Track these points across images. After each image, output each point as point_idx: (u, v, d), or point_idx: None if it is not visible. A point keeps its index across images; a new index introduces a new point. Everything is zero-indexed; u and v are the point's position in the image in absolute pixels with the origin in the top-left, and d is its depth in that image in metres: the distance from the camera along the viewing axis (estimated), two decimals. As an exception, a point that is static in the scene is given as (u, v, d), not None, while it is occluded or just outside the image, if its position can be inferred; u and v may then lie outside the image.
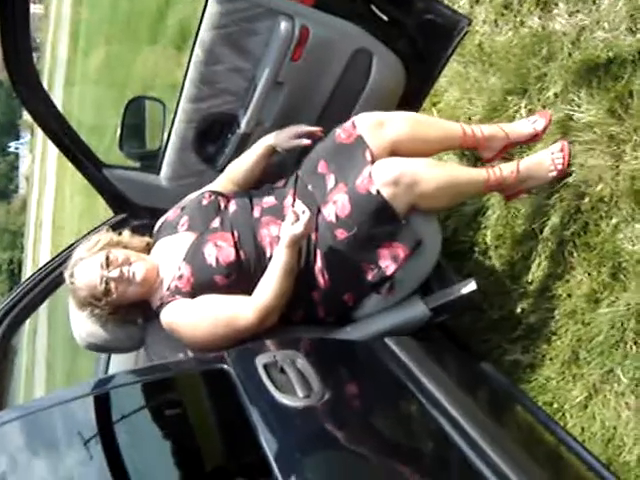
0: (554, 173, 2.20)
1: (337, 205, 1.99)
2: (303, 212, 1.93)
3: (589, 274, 2.18)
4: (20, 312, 2.28)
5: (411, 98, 2.46)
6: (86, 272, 2.07)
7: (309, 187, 2.14)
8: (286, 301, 2.00)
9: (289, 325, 2.12)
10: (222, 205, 2.25)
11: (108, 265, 2.04)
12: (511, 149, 2.34)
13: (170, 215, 2.33)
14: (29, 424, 1.62)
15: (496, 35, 2.70)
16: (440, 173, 2.03)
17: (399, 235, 1.98)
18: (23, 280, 2.40)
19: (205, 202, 2.26)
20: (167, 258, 2.14)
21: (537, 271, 2.36)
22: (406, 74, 2.38)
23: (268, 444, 1.42)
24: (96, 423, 1.63)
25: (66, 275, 2.12)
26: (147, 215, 2.72)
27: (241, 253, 2.06)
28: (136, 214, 2.72)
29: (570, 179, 2.24)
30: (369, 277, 2.02)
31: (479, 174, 2.13)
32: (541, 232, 2.36)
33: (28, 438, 1.62)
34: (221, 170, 2.51)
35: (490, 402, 2.12)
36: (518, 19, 2.60)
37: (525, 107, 2.46)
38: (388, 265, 2.00)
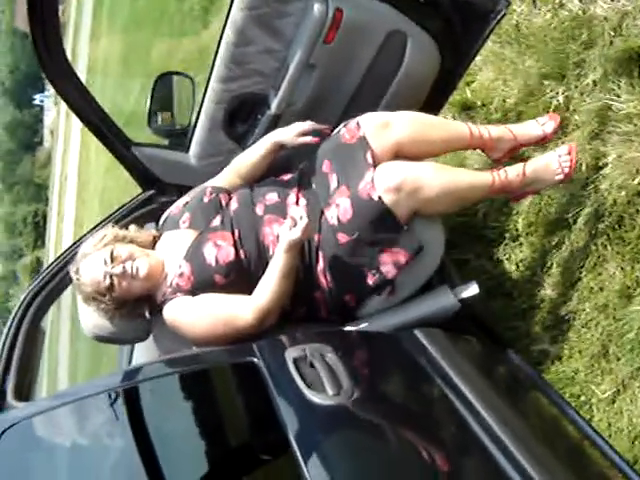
0: (561, 176, 2.11)
1: (339, 209, 1.99)
2: (301, 218, 1.92)
3: (622, 269, 2.15)
4: (47, 295, 2.29)
5: (445, 81, 2.41)
6: (90, 268, 2.07)
7: (313, 186, 2.13)
8: (285, 302, 2.00)
9: (296, 323, 2.12)
10: (223, 202, 2.23)
11: (112, 261, 2.04)
12: (519, 150, 2.29)
13: (173, 210, 2.32)
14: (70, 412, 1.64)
15: (534, 16, 2.63)
16: (443, 178, 2.00)
17: (400, 241, 1.98)
18: (48, 263, 2.40)
19: (206, 199, 2.25)
20: (170, 254, 2.14)
21: (569, 261, 2.33)
22: (441, 57, 2.33)
23: (297, 443, 1.42)
24: (126, 415, 1.64)
25: (71, 270, 2.12)
26: (175, 192, 2.72)
27: (241, 252, 2.06)
28: (164, 191, 2.72)
29: (607, 170, 2.20)
30: (370, 281, 2.03)
31: (484, 178, 2.08)
32: (574, 222, 2.32)
33: (69, 426, 1.64)
34: (251, 150, 2.49)
35: (516, 395, 2.11)
36: (557, 1, 2.53)
37: (562, 93, 2.41)
38: (389, 270, 2.01)
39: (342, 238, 2.00)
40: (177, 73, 2.88)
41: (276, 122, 2.40)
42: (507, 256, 2.56)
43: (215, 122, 2.45)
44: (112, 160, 2.65)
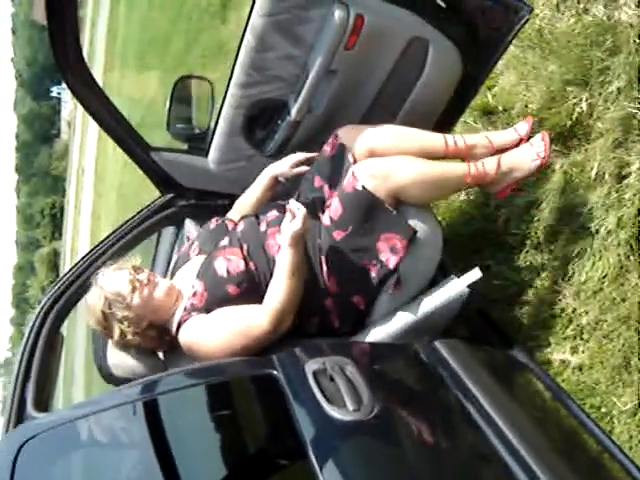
0: (537, 162, 2.15)
1: (331, 209, 2.08)
2: (298, 209, 1.96)
3: (645, 280, 2.12)
4: (67, 301, 2.29)
5: (466, 86, 2.38)
6: (115, 276, 2.12)
7: (309, 199, 2.21)
8: (297, 303, 1.99)
9: (311, 337, 2.12)
10: (230, 226, 2.31)
11: (136, 272, 2.11)
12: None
13: (183, 248, 2.41)
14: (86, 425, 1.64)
15: (557, 21, 2.60)
16: (416, 164, 2.08)
17: (393, 225, 2.02)
18: (68, 269, 2.40)
19: (212, 226, 2.36)
20: (184, 281, 2.19)
21: (591, 271, 2.30)
22: (462, 63, 2.31)
23: (317, 461, 1.41)
24: (147, 428, 1.64)
25: (93, 283, 2.14)
26: (194, 196, 2.73)
27: (250, 264, 2.09)
28: (183, 195, 2.72)
29: (631, 179, 2.17)
30: (373, 274, 2.06)
31: (460, 167, 2.15)
32: (597, 231, 2.29)
33: (90, 438, 1.64)
34: (270, 155, 2.48)
35: (536, 407, 2.09)
36: (581, 6, 2.49)
37: (586, 100, 2.38)
38: (389, 257, 2.03)
39: (338, 235, 2.05)
40: (196, 77, 2.87)
41: (296, 128, 2.39)
42: (528, 263, 2.53)
43: (234, 127, 2.44)
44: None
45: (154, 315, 2.10)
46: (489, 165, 2.14)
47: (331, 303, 2.10)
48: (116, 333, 2.07)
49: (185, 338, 2.05)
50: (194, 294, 2.08)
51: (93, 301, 2.10)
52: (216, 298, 2.05)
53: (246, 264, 2.07)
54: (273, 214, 2.21)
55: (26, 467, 1.50)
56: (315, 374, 1.64)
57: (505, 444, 1.54)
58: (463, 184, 2.20)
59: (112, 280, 2.10)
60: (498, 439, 1.55)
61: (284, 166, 2.34)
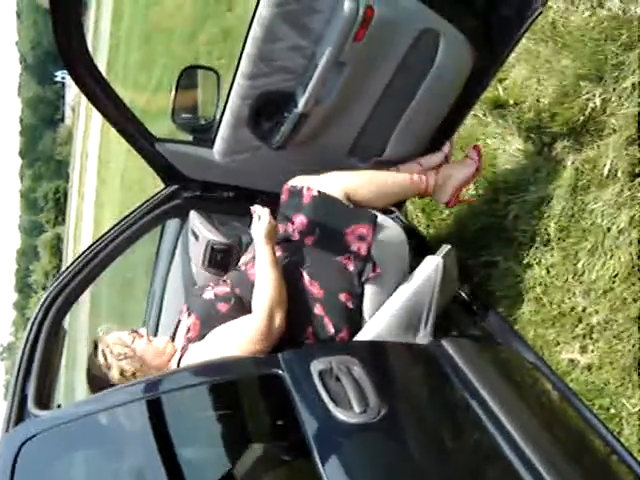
0: (473, 163, 2.43)
1: (296, 225, 2.19)
2: (262, 208, 2.13)
3: (658, 280, 2.08)
4: (70, 294, 2.25)
5: (477, 80, 2.34)
6: (116, 333, 2.13)
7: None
8: (283, 295, 2.03)
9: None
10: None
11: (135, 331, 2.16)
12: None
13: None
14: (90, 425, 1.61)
15: (571, 14, 2.54)
16: (362, 172, 2.35)
17: (354, 217, 2.16)
18: (70, 262, 2.36)
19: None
20: (178, 336, 2.19)
21: (602, 270, 2.26)
22: (474, 55, 2.26)
23: (323, 464, 1.39)
24: (150, 426, 1.61)
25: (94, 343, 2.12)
26: (199, 188, 2.69)
27: (236, 289, 2.17)
28: (188, 187, 2.68)
29: (644, 177, 2.13)
30: (351, 267, 2.14)
31: (403, 175, 2.41)
32: (609, 230, 2.25)
33: (92, 438, 1.61)
34: (277, 147, 2.43)
35: (544, 407, 2.05)
36: (596, -1, 2.44)
37: (599, 96, 2.33)
38: (359, 246, 2.14)
39: (309, 241, 2.17)
40: (202, 67, 2.81)
41: (303, 120, 2.34)
42: (537, 260, 2.49)
43: (240, 118, 2.39)
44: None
45: (153, 362, 2.08)
46: (430, 173, 2.42)
47: (320, 308, 2.11)
48: (116, 373, 2.04)
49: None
50: (188, 330, 2.10)
51: (94, 351, 2.09)
52: (209, 319, 2.07)
53: (232, 289, 2.17)
54: (249, 255, 2.40)
55: (26, 468, 1.48)
56: (321, 374, 1.61)
57: (513, 446, 1.51)
58: (408, 190, 2.41)
59: (114, 334, 2.12)
60: (506, 441, 1.53)
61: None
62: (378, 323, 2.09)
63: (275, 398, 1.65)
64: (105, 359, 2.03)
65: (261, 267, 2.05)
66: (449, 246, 2.21)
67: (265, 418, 1.69)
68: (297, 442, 1.52)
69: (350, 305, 2.13)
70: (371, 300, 2.17)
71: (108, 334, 2.11)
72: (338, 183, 2.23)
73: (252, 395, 1.76)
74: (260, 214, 2.11)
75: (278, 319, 1.98)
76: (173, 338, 2.19)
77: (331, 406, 1.51)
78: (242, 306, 2.09)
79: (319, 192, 2.19)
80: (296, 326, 2.06)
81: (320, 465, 1.38)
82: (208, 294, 2.16)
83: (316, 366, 1.63)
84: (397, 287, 2.16)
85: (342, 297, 2.12)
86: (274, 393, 1.65)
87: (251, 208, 2.15)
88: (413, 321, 2.10)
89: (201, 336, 2.06)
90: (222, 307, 2.09)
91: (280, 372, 1.63)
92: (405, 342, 2.02)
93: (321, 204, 2.18)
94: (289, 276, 2.09)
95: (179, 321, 2.23)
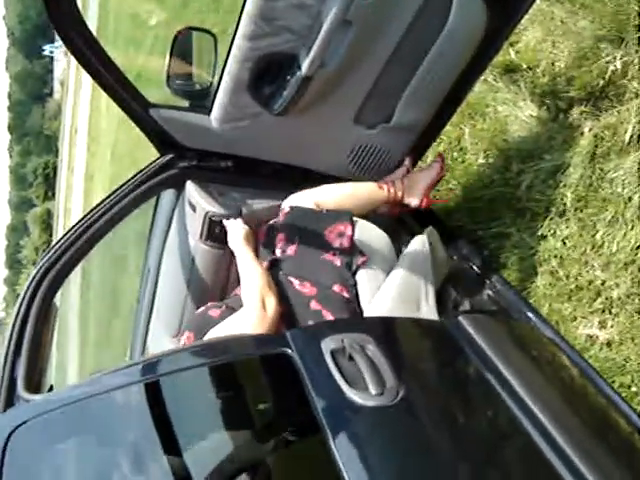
0: (437, 165, 2.48)
1: (277, 245, 2.25)
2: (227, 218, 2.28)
3: (684, 251, 1.97)
4: (61, 269, 2.12)
5: (489, 41, 2.22)
6: None
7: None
8: (272, 285, 2.03)
9: None
10: None
11: None
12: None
13: None
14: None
15: (589, -28, 2.41)
16: (326, 186, 2.38)
17: (329, 219, 2.22)
18: (61, 236, 2.22)
19: None
20: None
21: (622, 241, 2.16)
22: (488, 14, 2.13)
23: (338, 450, 1.28)
24: (150, 410, 1.49)
25: None
26: (196, 157, 2.55)
27: (228, 301, 2.18)
28: (184, 156, 2.55)
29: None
30: (337, 262, 2.15)
31: (368, 183, 2.47)
32: (630, 199, 2.15)
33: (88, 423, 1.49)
34: (278, 114, 2.30)
35: (564, 384, 1.96)
36: (617, -45, 2.30)
37: (620, 58, 2.21)
38: (341, 242, 2.17)
39: (291, 250, 2.20)
40: (198, 29, 2.66)
41: (306, 84, 2.21)
42: (552, 232, 2.38)
43: (240, 83, 2.26)
44: (124, 113, 2.46)
45: None
46: (397, 182, 2.48)
47: (316, 303, 2.06)
48: None
49: None
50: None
51: None
52: (202, 329, 2.00)
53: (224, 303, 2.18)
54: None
55: (17, 458, 1.36)
56: (333, 353, 1.50)
57: (538, 427, 1.43)
58: (378, 196, 2.45)
59: None
60: (530, 422, 1.44)
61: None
62: (379, 304, 2.05)
63: (283, 379, 1.54)
64: None
65: (244, 264, 2.10)
66: (430, 227, 2.32)
67: (273, 401, 1.58)
68: (309, 427, 1.42)
69: (346, 295, 2.10)
70: (366, 287, 2.13)
71: None
72: (308, 197, 2.30)
73: (258, 377, 1.64)
74: (231, 224, 2.24)
75: (271, 303, 1.93)
76: None
77: (345, 388, 1.42)
78: (233, 311, 2.03)
79: (291, 207, 2.27)
80: (295, 326, 2.00)
81: (336, 452, 1.28)
82: (200, 310, 2.16)
83: (328, 344, 1.53)
84: (389, 271, 2.17)
85: (336, 288, 2.10)
86: (282, 374, 1.54)
87: (223, 222, 2.27)
88: (413, 297, 2.10)
89: None
90: (214, 313, 2.06)
91: (289, 351, 1.52)
92: (418, 318, 1.91)
93: (295, 215, 2.26)
94: (279, 288, 2.07)
95: None
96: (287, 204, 2.31)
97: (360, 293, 2.13)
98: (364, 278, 2.15)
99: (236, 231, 2.20)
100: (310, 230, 2.21)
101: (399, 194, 2.45)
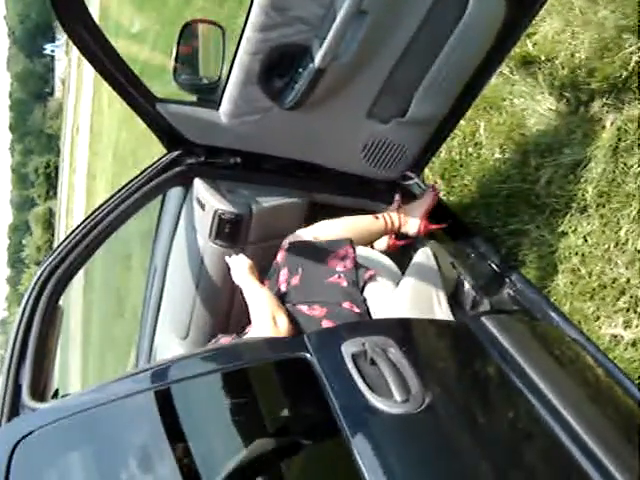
0: (430, 192, 2.48)
1: (279, 280, 2.21)
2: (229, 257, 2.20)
3: None
4: (66, 270, 2.04)
5: (507, 32, 2.14)
6: None
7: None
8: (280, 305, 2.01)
9: None
10: None
11: None
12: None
13: None
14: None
15: (611, -42, 2.33)
16: (323, 222, 2.35)
17: (330, 247, 2.21)
18: (66, 235, 2.15)
19: None
20: None
21: (648, 238, 2.08)
22: (506, 4, 2.05)
23: (362, 460, 1.21)
24: (162, 419, 1.42)
25: None
26: (204, 153, 2.48)
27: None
28: (191, 152, 2.47)
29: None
30: (344, 283, 2.13)
31: (364, 216, 2.46)
32: (656, 194, 2.06)
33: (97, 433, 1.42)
34: (290, 108, 2.23)
35: (592, 386, 1.89)
36: (640, -59, 2.22)
37: (643, 49, 2.13)
38: (345, 264, 2.17)
39: (295, 280, 2.16)
40: (206, 21, 2.59)
41: (319, 77, 2.14)
42: (573, 228, 2.31)
43: (250, 76, 2.19)
44: (126, 111, 2.39)
45: None
46: (393, 211, 2.49)
47: (328, 322, 2.01)
48: None
49: None
50: None
51: None
52: None
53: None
54: None
55: (23, 470, 1.29)
56: (354, 357, 1.42)
57: (564, 427, 1.37)
58: (378, 228, 2.43)
59: None
60: (560, 426, 1.37)
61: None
62: (393, 313, 2.01)
63: (302, 385, 1.47)
64: None
65: (250, 292, 2.03)
66: (431, 241, 2.40)
67: (291, 409, 1.50)
68: (330, 437, 1.35)
69: (357, 310, 2.06)
70: (376, 300, 2.09)
71: None
72: (305, 232, 2.29)
73: (274, 383, 1.56)
74: (234, 260, 2.15)
75: (282, 320, 1.89)
76: None
77: (369, 394, 1.34)
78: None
79: (290, 243, 2.26)
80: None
81: (361, 463, 1.21)
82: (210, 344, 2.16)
83: (348, 348, 1.46)
84: (398, 283, 2.18)
85: (346, 305, 2.06)
86: (300, 379, 1.47)
87: (226, 260, 2.19)
88: (426, 303, 2.09)
89: None
90: (225, 340, 2.01)
91: (307, 356, 1.44)
92: (439, 319, 1.84)
93: (295, 249, 2.24)
94: (289, 318, 2.00)
95: None
96: (286, 242, 2.29)
97: (371, 306, 2.09)
98: (373, 292, 2.12)
99: (239, 265, 2.13)
100: (312, 259, 2.19)
101: (396, 224, 2.46)
